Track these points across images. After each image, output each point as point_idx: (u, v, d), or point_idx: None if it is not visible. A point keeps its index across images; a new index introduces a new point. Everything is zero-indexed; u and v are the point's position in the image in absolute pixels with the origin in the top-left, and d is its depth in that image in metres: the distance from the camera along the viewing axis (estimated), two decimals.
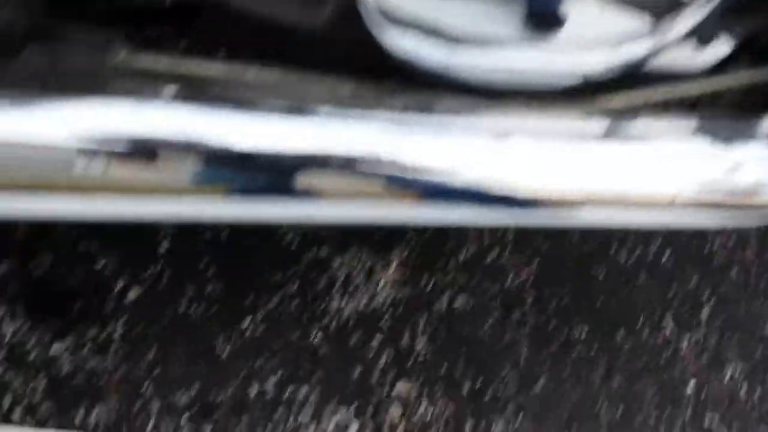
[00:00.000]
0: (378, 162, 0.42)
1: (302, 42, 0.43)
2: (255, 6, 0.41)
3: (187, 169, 0.41)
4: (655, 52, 0.42)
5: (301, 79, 0.43)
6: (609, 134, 0.44)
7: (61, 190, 0.41)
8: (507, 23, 0.41)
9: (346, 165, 0.42)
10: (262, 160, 0.41)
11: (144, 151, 0.40)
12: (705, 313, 0.80)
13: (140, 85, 0.41)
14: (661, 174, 0.45)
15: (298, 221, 0.46)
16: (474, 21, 0.41)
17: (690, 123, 0.46)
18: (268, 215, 0.44)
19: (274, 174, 0.42)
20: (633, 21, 0.44)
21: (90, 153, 0.40)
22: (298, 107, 0.41)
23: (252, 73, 0.43)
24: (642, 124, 0.46)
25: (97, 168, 0.40)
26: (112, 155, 0.40)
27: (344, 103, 0.42)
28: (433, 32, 0.40)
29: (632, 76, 0.44)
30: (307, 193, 0.43)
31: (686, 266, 0.81)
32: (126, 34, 0.42)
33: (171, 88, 0.41)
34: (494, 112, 0.43)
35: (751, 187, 0.45)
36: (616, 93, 0.46)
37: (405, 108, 0.42)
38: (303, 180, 0.42)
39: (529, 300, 0.77)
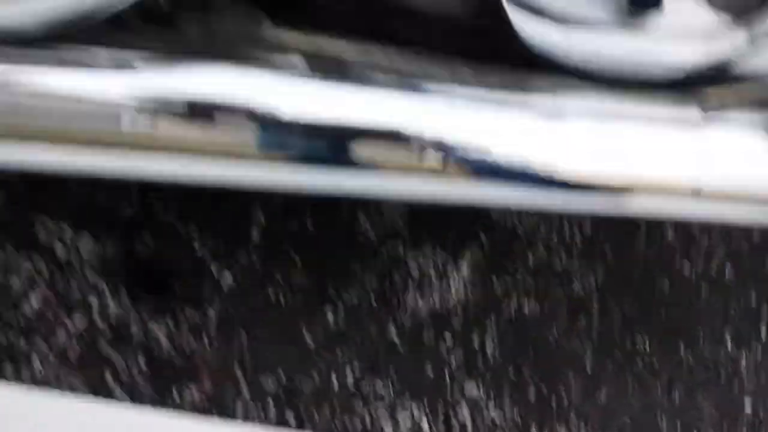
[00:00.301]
0: (440, 139, 0.46)
1: (433, 26, 0.48)
2: None
3: (246, 133, 0.45)
4: (751, 49, 0.47)
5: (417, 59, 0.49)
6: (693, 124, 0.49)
7: (113, 146, 0.45)
8: (606, 7, 0.46)
9: (406, 139, 0.45)
10: (320, 128, 0.45)
11: (202, 112, 0.44)
12: (764, 331, 0.82)
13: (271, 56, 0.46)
14: (729, 169, 0.49)
15: (353, 192, 0.49)
16: (576, 3, 0.45)
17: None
18: (325, 184, 0.47)
19: (332, 142, 0.45)
20: (728, 16, 0.47)
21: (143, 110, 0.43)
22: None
23: (375, 52, 0.48)
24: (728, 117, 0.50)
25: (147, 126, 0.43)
26: (170, 115, 0.44)
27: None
28: (545, 14, 0.45)
29: (727, 73, 0.48)
30: (365, 165, 0.46)
31: (747, 282, 0.84)
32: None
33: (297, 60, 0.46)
34: (585, 93, 0.48)
35: None
36: (709, 88, 0.51)
37: (497, 85, 0.47)
38: (361, 150, 0.46)
39: (595, 308, 0.80)
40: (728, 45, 0.47)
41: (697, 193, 0.50)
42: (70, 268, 0.69)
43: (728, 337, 0.81)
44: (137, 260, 0.70)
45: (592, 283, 0.81)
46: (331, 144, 0.46)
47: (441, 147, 0.47)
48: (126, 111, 0.44)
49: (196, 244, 0.70)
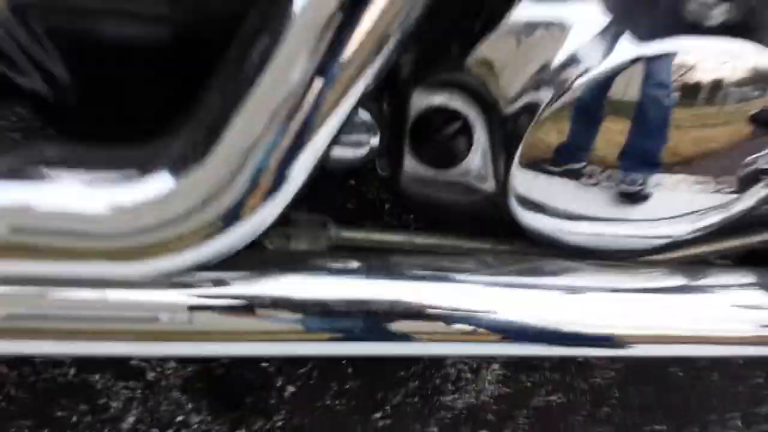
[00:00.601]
0: (475, 314, 0.57)
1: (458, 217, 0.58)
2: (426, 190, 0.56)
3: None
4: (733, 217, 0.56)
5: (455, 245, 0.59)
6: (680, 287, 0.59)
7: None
8: (603, 202, 0.55)
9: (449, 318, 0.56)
10: (361, 310, 0.56)
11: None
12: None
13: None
14: (723, 319, 0.58)
15: (396, 356, 0.60)
16: (579, 203, 0.55)
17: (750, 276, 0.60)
18: (368, 352, 0.58)
19: (373, 322, 0.56)
20: (715, 194, 0.57)
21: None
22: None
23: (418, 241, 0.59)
24: (709, 275, 0.60)
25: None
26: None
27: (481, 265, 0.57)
28: (552, 211, 0.55)
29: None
30: (405, 337, 0.57)
31: (754, 367, 0.93)
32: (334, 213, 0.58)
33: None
34: (587, 271, 0.58)
35: None
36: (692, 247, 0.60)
37: (517, 271, 0.57)
38: (401, 326, 0.56)
39: (615, 397, 0.90)
40: (714, 218, 0.55)
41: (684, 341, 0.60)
42: (159, 388, 0.81)
43: (738, 421, 0.90)
44: (215, 378, 0.81)
45: (611, 373, 0.90)
46: (372, 322, 0.57)
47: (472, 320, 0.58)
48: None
49: (265, 363, 0.82)
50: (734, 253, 0.67)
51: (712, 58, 0.45)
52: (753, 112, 0.48)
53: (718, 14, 0.43)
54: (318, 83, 0.43)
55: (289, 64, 0.43)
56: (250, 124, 0.44)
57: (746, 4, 0.43)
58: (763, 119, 0.48)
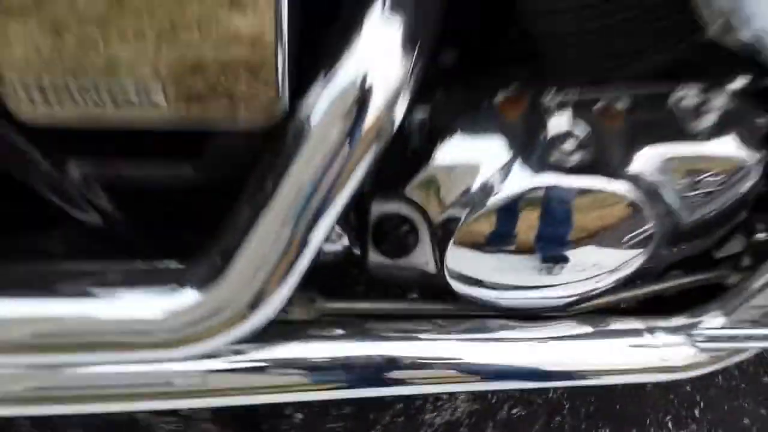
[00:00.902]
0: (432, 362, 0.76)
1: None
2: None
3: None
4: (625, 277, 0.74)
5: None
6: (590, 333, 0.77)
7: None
8: (523, 275, 0.73)
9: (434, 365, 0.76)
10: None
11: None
12: (697, 412, 1.09)
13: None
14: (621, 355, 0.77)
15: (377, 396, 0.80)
16: (502, 277, 0.73)
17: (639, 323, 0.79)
18: (356, 396, 0.77)
19: (356, 373, 0.75)
20: (608, 261, 0.75)
21: None
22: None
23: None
24: (611, 323, 0.78)
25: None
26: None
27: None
28: (481, 284, 0.73)
29: None
30: (400, 382, 0.76)
31: None
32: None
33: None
34: (520, 326, 0.77)
35: None
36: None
37: (463, 330, 0.76)
38: (378, 375, 0.76)
39: (566, 408, 1.09)
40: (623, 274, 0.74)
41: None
42: (192, 421, 1.00)
43: (670, 423, 1.09)
44: (238, 411, 1.01)
45: (562, 388, 1.09)
46: (355, 374, 0.75)
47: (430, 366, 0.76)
48: None
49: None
50: (635, 300, 0.86)
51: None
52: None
53: (575, 158, 0.62)
54: (306, 219, 0.62)
55: (285, 208, 0.62)
56: (257, 250, 0.63)
57: (594, 152, 0.62)
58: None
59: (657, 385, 1.10)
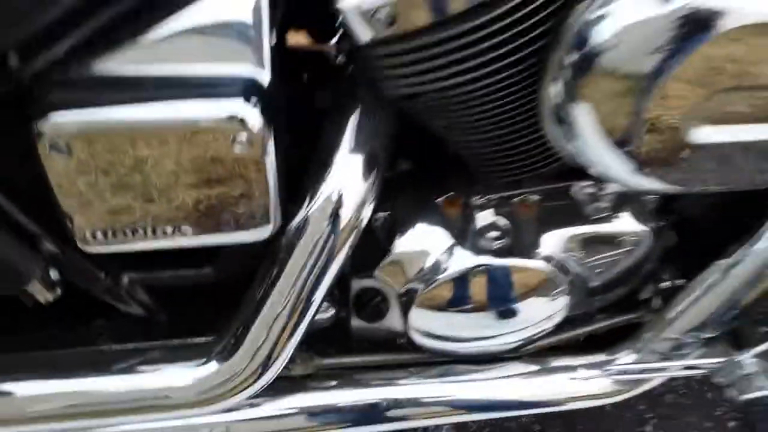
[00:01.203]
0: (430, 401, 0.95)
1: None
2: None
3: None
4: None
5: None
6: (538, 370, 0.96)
7: None
8: (477, 328, 0.92)
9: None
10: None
11: None
12: (649, 428, 1.27)
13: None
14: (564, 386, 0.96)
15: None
16: (457, 330, 0.92)
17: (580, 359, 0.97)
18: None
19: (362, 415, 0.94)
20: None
21: None
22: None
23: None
24: (555, 360, 0.97)
25: None
26: None
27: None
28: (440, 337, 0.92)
29: None
30: (387, 419, 0.95)
31: (638, 399, 1.29)
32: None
33: None
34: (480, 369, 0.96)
35: None
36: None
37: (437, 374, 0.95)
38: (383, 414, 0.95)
39: (536, 430, 1.27)
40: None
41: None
42: None
43: None
44: None
45: (531, 414, 1.27)
46: (349, 417, 0.95)
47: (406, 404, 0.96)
48: None
49: None
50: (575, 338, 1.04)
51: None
52: None
53: (499, 243, 0.81)
54: (301, 299, 0.81)
55: (284, 292, 0.81)
56: (264, 326, 0.82)
57: (513, 237, 0.82)
58: None
59: (614, 405, 1.28)
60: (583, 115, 0.60)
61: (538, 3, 0.59)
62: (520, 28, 0.60)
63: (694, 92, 0.57)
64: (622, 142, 0.61)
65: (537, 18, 0.60)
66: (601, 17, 0.57)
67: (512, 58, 0.62)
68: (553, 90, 0.61)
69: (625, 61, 0.57)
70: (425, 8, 0.59)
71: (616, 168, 0.64)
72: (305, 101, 0.82)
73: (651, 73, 0.56)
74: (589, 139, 0.62)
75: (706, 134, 0.60)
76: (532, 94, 0.65)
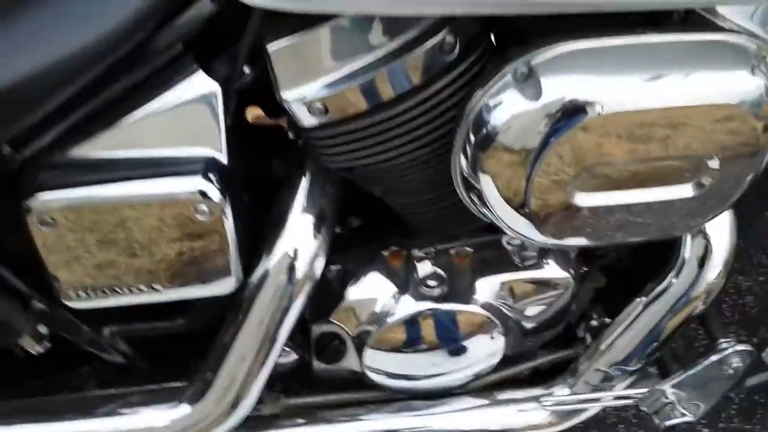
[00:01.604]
0: None
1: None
2: None
3: None
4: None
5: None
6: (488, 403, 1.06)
7: None
8: (426, 367, 1.02)
9: None
10: None
11: None
12: None
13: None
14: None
15: None
16: (407, 370, 1.02)
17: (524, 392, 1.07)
18: None
19: None
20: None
21: None
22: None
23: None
24: (501, 393, 1.07)
25: None
26: None
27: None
28: (391, 376, 1.02)
29: None
30: None
31: (619, 421, 1.39)
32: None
33: None
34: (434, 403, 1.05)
35: None
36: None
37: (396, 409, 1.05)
38: None
39: None
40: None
41: None
42: None
43: None
44: None
45: None
46: None
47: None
48: None
49: None
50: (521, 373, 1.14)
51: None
52: None
53: (438, 291, 0.92)
54: (264, 344, 0.92)
55: (249, 339, 0.91)
56: (231, 370, 0.92)
57: (450, 285, 0.93)
58: None
59: (598, 428, 1.37)
60: (487, 184, 0.71)
61: (444, 94, 0.71)
62: (432, 114, 0.72)
63: (571, 165, 0.69)
64: (520, 206, 0.72)
65: (444, 107, 0.72)
66: (496, 105, 0.69)
67: (428, 138, 0.74)
68: (463, 162, 0.73)
69: (515, 139, 0.68)
70: (352, 100, 0.71)
71: (521, 228, 0.75)
72: (263, 169, 0.93)
73: (536, 148, 0.68)
74: (495, 204, 0.73)
75: (589, 198, 0.71)
76: (449, 166, 0.76)
